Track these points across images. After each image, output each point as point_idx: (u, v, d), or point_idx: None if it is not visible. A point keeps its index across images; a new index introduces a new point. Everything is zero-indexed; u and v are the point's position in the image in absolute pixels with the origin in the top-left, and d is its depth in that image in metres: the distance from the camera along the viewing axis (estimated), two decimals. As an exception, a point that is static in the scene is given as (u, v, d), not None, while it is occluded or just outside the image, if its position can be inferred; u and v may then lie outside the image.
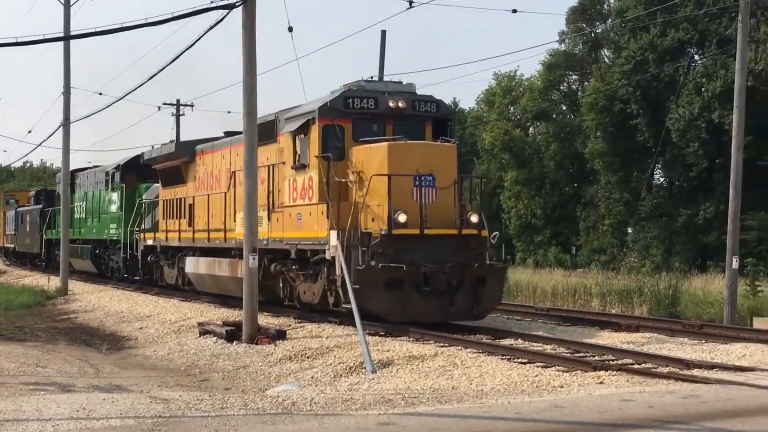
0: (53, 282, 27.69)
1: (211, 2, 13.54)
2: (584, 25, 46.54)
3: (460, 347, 11.92)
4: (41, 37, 14.83)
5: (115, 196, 25.85)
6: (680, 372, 9.43)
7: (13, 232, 39.92)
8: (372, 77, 15.64)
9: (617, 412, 7.25)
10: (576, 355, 11.03)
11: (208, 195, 19.01)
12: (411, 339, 12.91)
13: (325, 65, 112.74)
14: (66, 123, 27.04)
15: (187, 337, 15.33)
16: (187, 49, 16.37)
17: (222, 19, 14.15)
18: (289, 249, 14.94)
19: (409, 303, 12.85)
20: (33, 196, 38.75)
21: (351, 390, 9.43)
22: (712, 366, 9.81)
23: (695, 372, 9.37)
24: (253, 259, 13.90)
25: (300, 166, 14.54)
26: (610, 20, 43.87)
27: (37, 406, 7.55)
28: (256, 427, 6.77)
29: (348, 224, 13.08)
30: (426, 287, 12.99)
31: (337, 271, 13.02)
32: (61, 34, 22.50)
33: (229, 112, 42.48)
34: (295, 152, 14.72)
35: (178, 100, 43.00)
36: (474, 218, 13.94)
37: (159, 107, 41.73)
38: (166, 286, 22.12)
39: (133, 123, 60.40)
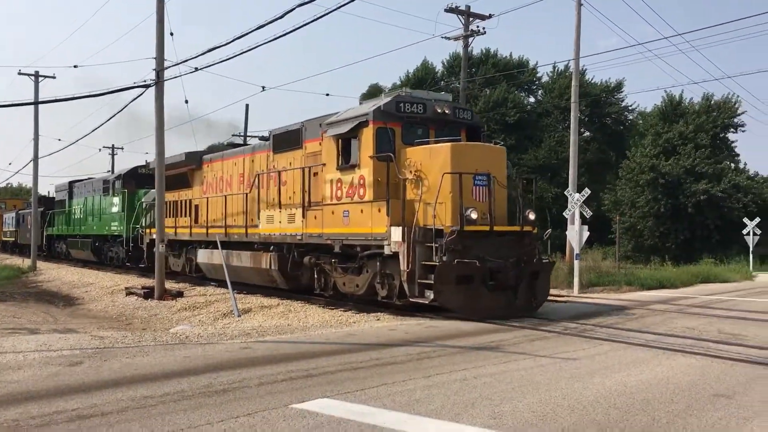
0: (26, 262, 37.58)
1: (135, 83, 20.42)
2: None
3: (293, 300, 16.67)
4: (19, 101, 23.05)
5: (116, 199, 30.70)
6: (422, 314, 13.55)
7: (14, 229, 52.16)
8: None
9: (387, 336, 11.00)
10: (361, 306, 14.95)
11: (225, 196, 20.48)
12: (263, 295, 18.04)
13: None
14: (35, 159, 39.57)
15: (118, 297, 21.34)
16: (118, 112, 27.44)
17: (142, 94, 21.70)
18: (331, 244, 15.29)
19: (478, 298, 12.97)
20: (28, 203, 47.86)
21: (224, 328, 13.05)
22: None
23: (433, 315, 13.50)
24: (162, 246, 20.07)
25: (348, 167, 14.86)
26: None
27: (13, 343, 10.19)
28: (161, 352, 9.45)
29: (405, 221, 13.32)
30: (491, 282, 13.13)
31: (402, 266, 13.25)
32: (32, 101, 34.76)
33: (146, 153, 60.61)
34: (339, 154, 15.15)
35: (113, 145, 62.73)
36: (531, 216, 14.19)
37: (99, 149, 59.77)
38: (170, 272, 23.88)
39: (83, 158, 72.25)
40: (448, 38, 30.23)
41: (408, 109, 14.68)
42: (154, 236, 23.91)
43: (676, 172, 40.82)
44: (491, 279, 13.18)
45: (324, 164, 15.72)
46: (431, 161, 13.72)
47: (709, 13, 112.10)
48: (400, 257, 13.36)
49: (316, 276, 16.53)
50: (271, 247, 17.86)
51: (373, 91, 52.40)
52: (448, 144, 13.84)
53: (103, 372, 8.16)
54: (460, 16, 29.57)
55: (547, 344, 10.32)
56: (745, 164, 49.33)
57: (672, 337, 11.04)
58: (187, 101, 26.07)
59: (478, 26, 29.80)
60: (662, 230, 41.33)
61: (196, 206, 22.77)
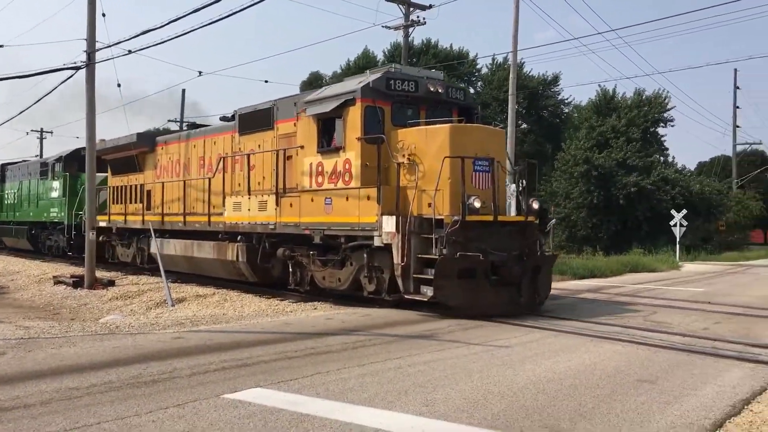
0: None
1: (64, 64, 19.64)
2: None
3: (229, 289, 16.53)
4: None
5: (56, 183, 28.59)
6: (357, 304, 13.40)
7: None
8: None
9: (323, 325, 10.98)
10: (299, 296, 14.96)
11: (184, 181, 19.08)
12: (198, 284, 17.81)
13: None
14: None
15: (46, 286, 20.77)
16: (42, 98, 26.21)
17: (71, 76, 21.06)
18: (310, 234, 14.11)
19: (481, 294, 11.89)
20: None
21: (157, 317, 12.86)
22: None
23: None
24: (93, 234, 19.46)
25: (331, 150, 13.68)
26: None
27: (-66, 334, 9.85)
28: (89, 343, 9.21)
29: (398, 210, 12.26)
30: (494, 277, 12.05)
31: (396, 259, 12.19)
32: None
33: (77, 137, 59.62)
34: (319, 135, 13.96)
35: (41, 128, 63.27)
36: (536, 204, 13.14)
37: (27, 132, 56.55)
38: (118, 263, 22.99)
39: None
40: (389, 27, 30.28)
41: (399, 86, 13.50)
42: (102, 223, 23.12)
43: (609, 165, 41.96)
44: (493, 273, 12.09)
45: (302, 146, 14.57)
46: (427, 144, 12.61)
47: (641, 10, 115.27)
48: (393, 249, 12.30)
49: (290, 269, 15.23)
50: (239, 237, 16.61)
51: (313, 79, 52.10)
52: (447, 125, 12.77)
53: (27, 363, 7.90)
54: (400, 6, 29.61)
55: (481, 332, 10.48)
56: (674, 158, 51.13)
57: (600, 325, 11.35)
58: (119, 84, 25.45)
59: (418, 16, 29.93)
60: (595, 221, 42.45)
61: (149, 192, 21.39)
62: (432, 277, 11.76)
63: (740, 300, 16.09)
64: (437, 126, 12.84)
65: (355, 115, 13.27)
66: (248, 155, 16.35)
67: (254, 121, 16.57)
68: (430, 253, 12.00)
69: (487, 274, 11.98)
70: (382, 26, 30.61)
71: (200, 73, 38.30)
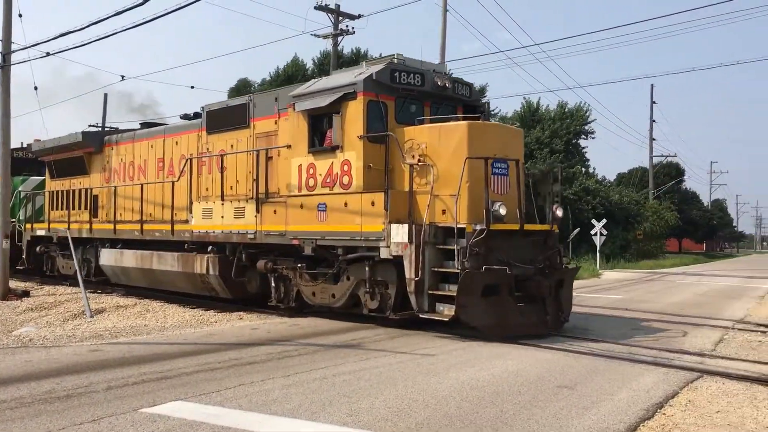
0: None
1: None
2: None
3: (152, 299, 16.09)
4: None
5: None
6: (279, 314, 13.45)
7: None
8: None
9: (248, 336, 10.88)
10: (222, 305, 14.74)
11: (142, 185, 17.24)
12: (119, 294, 17.37)
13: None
14: None
15: None
16: None
17: None
18: (299, 244, 12.73)
19: (507, 313, 10.70)
20: None
21: (74, 329, 12.25)
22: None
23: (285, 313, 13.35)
24: (6, 242, 18.14)
25: (326, 150, 12.30)
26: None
27: None
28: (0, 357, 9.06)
29: (410, 218, 10.96)
30: (517, 293, 10.93)
31: (408, 273, 10.90)
32: None
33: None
34: (310, 133, 12.59)
35: None
36: (560, 212, 12.23)
37: None
38: (59, 276, 20.84)
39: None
40: (318, 36, 30.27)
41: (404, 79, 12.20)
42: (41, 232, 21.36)
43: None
44: (517, 289, 10.97)
45: (288, 146, 13.10)
46: (441, 143, 11.39)
47: (567, 26, 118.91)
48: (405, 262, 11.01)
49: (273, 284, 13.70)
50: (210, 247, 14.94)
51: (241, 86, 51.47)
52: (465, 122, 11.60)
53: (-71, 380, 7.47)
54: (329, 15, 29.64)
55: (408, 341, 10.53)
56: (594, 169, 52.76)
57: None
58: (36, 88, 23.99)
59: (347, 26, 30.02)
60: (519, 230, 43.29)
61: (96, 197, 19.46)
62: (452, 294, 10.62)
63: (655, 307, 16.73)
64: (453, 123, 11.77)
65: (355, 110, 11.90)
66: (221, 156, 14.80)
67: (225, 118, 15.12)
68: (446, 266, 10.94)
69: (512, 290, 10.82)
70: (311, 34, 30.55)
71: (123, 77, 37.07)
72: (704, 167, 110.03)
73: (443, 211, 11.14)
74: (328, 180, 12.35)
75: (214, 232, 14.79)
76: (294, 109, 12.97)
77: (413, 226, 10.89)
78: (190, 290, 15.68)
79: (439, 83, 12.62)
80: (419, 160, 11.44)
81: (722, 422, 6.40)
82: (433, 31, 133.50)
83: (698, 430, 6.15)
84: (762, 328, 12.94)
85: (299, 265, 13.03)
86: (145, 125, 19.79)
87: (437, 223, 11.11)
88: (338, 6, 29.72)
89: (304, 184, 12.77)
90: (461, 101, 13.19)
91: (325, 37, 30.14)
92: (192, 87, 79.53)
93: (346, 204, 11.90)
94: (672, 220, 56.32)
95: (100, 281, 18.91)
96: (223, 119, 15.19)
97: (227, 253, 14.57)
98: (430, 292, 10.94)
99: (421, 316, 10.99)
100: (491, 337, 10.60)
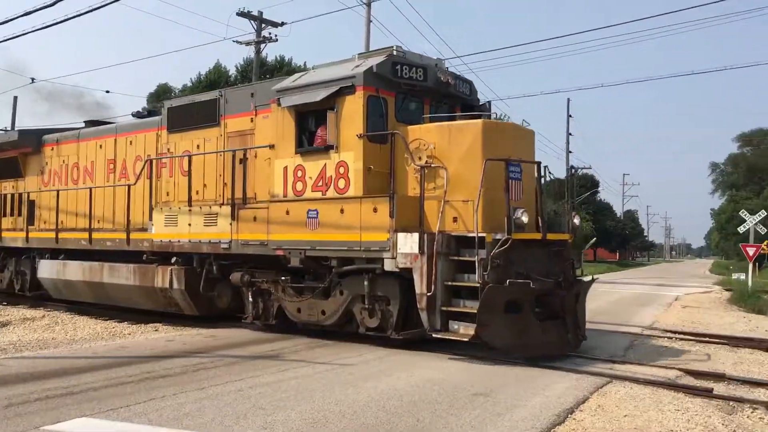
0: None
1: None
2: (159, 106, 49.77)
3: (62, 311, 15.48)
4: None
5: None
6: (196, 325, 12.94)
7: None
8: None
9: (163, 348, 10.44)
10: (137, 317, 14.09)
11: (91, 189, 15.52)
12: (27, 306, 16.38)
13: None
14: None
15: None
16: None
17: None
18: (284, 255, 11.47)
19: (528, 331, 9.64)
20: None
21: None
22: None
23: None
24: None
25: (318, 150, 11.12)
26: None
27: None
28: None
29: (421, 226, 9.93)
30: (536, 309, 9.90)
31: (419, 288, 9.80)
32: None
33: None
34: (298, 132, 11.46)
35: None
36: (577, 220, 11.52)
37: None
38: None
39: None
40: (240, 42, 29.90)
41: (406, 73, 11.11)
42: None
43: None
44: (537, 304, 9.97)
45: (271, 145, 11.85)
46: (452, 144, 10.39)
47: (491, 39, 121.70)
48: (416, 275, 9.90)
49: (251, 299, 12.35)
50: (173, 258, 13.59)
51: (161, 91, 50.38)
52: (479, 121, 10.58)
53: None
54: (252, 21, 29.33)
55: (327, 351, 10.34)
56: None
57: (444, 341, 11.53)
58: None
59: (270, 33, 29.77)
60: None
61: (33, 202, 17.62)
62: (470, 310, 9.59)
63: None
64: (465, 122, 10.75)
65: (354, 106, 10.79)
66: (189, 157, 13.31)
67: (191, 116, 13.71)
68: (458, 280, 9.91)
69: (532, 306, 9.81)
70: (233, 41, 30.14)
71: (33, 80, 34.94)
72: (617, 179, 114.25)
73: (454, 219, 10.13)
74: (320, 184, 11.20)
75: (179, 241, 13.29)
76: (279, 105, 11.73)
77: (425, 235, 9.86)
78: (147, 306, 14.18)
79: (443, 79, 11.60)
80: (427, 163, 10.37)
81: (629, 426, 6.60)
82: (359, 41, 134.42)
83: (605, 434, 6.32)
84: (669, 334, 13.45)
85: (282, 278, 11.85)
86: (91, 123, 17.95)
87: (449, 231, 10.05)
88: (261, 13, 29.46)
89: (290, 189, 11.54)
90: (461, 100, 12.15)
91: (248, 44, 29.80)
92: (107, 92, 77.01)
93: (342, 210, 10.74)
94: (588, 229, 58.22)
95: (36, 296, 17.18)
96: (187, 117, 13.77)
97: (195, 265, 13.19)
98: (443, 308, 9.83)
99: (434, 336, 9.92)
100: (410, 345, 10.26)
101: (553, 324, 10.03)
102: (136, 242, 14.33)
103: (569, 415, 6.79)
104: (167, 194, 14.05)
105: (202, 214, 12.95)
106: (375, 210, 10.38)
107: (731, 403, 7.94)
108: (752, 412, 7.61)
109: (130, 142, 15.25)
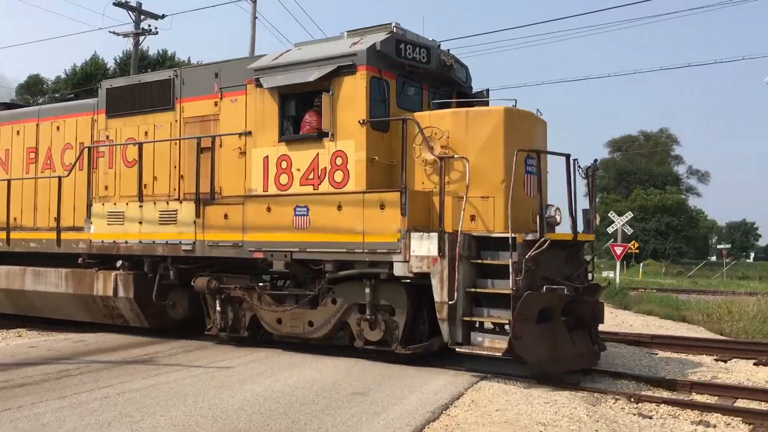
0: None
1: None
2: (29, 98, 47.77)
3: None
4: None
5: None
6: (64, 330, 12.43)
7: None
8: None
9: (24, 354, 9.92)
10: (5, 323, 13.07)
11: (9, 181, 13.50)
12: None
13: None
14: None
15: None
16: None
17: None
18: (265, 258, 10.20)
19: (558, 342, 8.74)
20: None
21: None
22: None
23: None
24: None
25: (309, 138, 9.95)
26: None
27: None
28: None
29: (441, 225, 8.98)
30: (563, 317, 8.96)
31: (440, 296, 8.75)
32: None
33: None
34: (282, 117, 10.25)
35: None
36: (597, 219, 10.70)
37: None
38: None
39: None
40: (117, 34, 28.71)
41: (410, 54, 10.04)
42: None
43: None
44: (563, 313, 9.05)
45: (247, 132, 10.59)
46: (468, 133, 9.35)
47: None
48: (434, 281, 8.83)
49: (219, 308, 10.86)
50: (119, 262, 12.08)
51: (32, 83, 47.55)
52: (500, 107, 9.58)
53: None
54: (130, 12, 28.16)
55: (204, 354, 10.14)
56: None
57: (324, 340, 11.46)
58: None
59: (150, 25, 28.71)
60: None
61: None
62: (499, 320, 8.85)
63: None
64: (485, 108, 9.92)
65: (355, 88, 9.61)
66: (140, 145, 11.77)
67: (137, 98, 12.19)
68: (479, 286, 8.96)
69: (560, 315, 8.95)
70: (110, 32, 28.85)
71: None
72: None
73: (472, 217, 9.19)
74: (310, 176, 10.00)
75: (126, 242, 11.72)
76: (258, 86, 10.48)
77: (445, 235, 8.87)
78: (83, 317, 12.58)
79: (446, 62, 10.65)
80: (441, 153, 9.35)
81: (500, 419, 6.81)
82: (245, 35, 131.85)
83: (478, 429, 6.48)
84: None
85: (258, 284, 10.71)
86: (5, 106, 15.73)
87: (471, 231, 9.10)
88: (140, 4, 28.30)
89: (272, 182, 10.31)
90: (458, 86, 11.20)
91: (126, 35, 28.60)
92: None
93: (339, 207, 9.56)
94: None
95: None
96: (132, 99, 12.24)
97: (146, 270, 11.69)
98: (465, 318, 8.87)
99: (457, 350, 9.10)
100: (288, 347, 10.17)
101: (579, 334, 9.23)
102: (68, 243, 12.62)
103: (444, 412, 6.95)
104: (106, 188, 12.43)
105: (156, 210, 11.50)
106: (382, 206, 9.24)
107: (596, 394, 8.35)
108: (614, 403, 8.03)
109: (57, 127, 13.43)
